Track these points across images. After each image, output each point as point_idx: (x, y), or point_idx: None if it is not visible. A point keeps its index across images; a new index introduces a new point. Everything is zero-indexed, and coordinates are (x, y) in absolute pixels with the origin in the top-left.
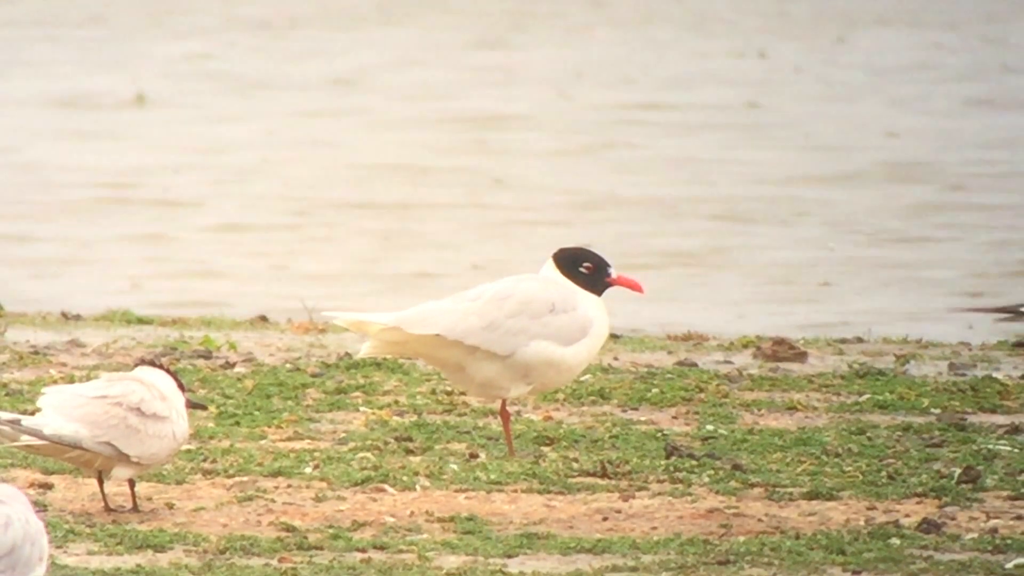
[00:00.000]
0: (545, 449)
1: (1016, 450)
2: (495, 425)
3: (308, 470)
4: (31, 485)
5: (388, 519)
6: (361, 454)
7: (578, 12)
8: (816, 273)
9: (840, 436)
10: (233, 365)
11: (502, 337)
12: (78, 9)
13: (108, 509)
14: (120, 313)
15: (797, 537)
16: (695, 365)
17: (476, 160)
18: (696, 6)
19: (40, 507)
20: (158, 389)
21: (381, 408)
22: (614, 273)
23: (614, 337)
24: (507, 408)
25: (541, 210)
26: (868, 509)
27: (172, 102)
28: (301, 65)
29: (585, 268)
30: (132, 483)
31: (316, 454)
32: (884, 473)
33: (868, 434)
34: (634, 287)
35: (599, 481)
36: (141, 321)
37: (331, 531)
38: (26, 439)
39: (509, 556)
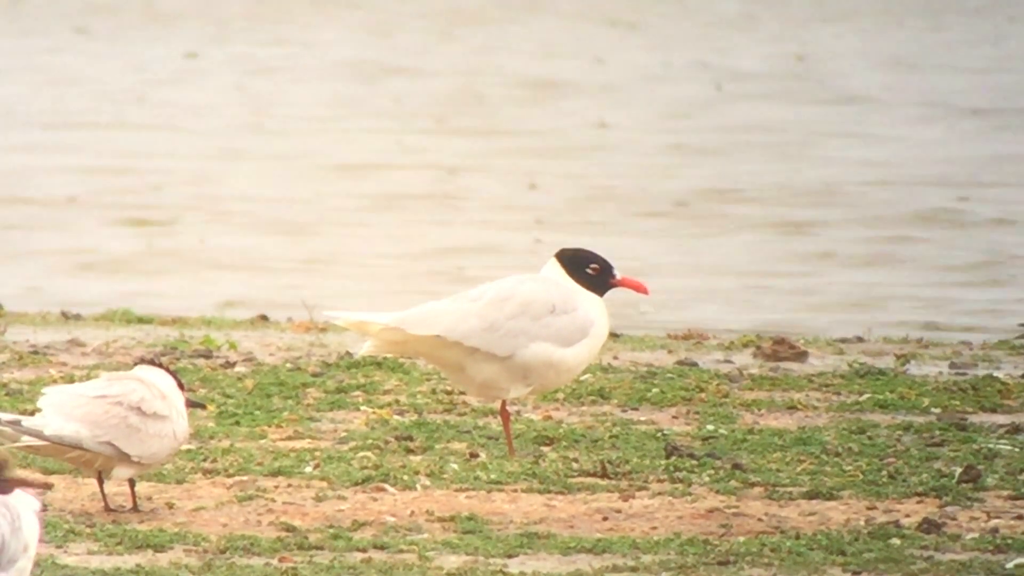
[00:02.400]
0: (545, 449)
1: (1017, 449)
2: (495, 425)
3: (308, 470)
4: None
5: (388, 519)
6: (361, 453)
7: None
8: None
9: (840, 435)
10: (233, 364)
11: (502, 339)
12: None
13: (108, 509)
14: (120, 312)
15: (797, 537)
16: (695, 364)
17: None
18: None
19: (40, 507)
20: (158, 388)
21: (382, 407)
22: (618, 274)
23: (614, 336)
24: (507, 408)
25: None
26: (868, 509)
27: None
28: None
29: (592, 269)
30: (132, 483)
31: (316, 453)
32: (884, 473)
33: (868, 433)
34: (639, 288)
35: (599, 481)
36: (141, 320)
37: (331, 531)
38: (27, 440)
39: (509, 556)
